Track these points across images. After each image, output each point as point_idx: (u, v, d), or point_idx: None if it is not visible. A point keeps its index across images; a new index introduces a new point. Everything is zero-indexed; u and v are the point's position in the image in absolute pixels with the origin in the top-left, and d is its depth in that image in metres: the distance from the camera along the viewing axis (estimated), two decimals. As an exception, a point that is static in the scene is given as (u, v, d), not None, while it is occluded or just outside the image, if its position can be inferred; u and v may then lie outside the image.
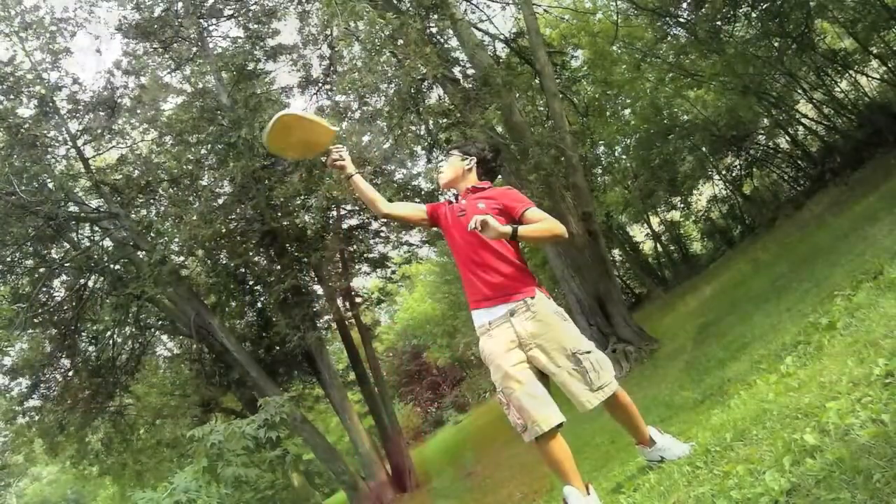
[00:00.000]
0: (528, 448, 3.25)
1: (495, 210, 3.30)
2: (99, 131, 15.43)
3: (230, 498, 6.61)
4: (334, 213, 17.32)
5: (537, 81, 13.65)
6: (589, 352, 3.18)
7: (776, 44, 20.28)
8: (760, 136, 27.40)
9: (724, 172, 29.69)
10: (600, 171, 30.01)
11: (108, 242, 16.26)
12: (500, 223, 3.11)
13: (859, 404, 2.45)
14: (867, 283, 5.02)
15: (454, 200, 3.56)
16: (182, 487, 6.24)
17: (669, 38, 21.72)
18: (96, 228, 16.19)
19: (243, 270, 16.97)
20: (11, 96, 14.38)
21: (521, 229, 3.11)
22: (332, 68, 14.58)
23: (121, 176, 15.56)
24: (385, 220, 17.40)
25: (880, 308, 4.02)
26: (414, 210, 3.66)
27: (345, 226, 17.76)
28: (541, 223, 3.21)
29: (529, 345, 3.14)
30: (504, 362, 3.13)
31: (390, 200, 3.74)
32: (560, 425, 3.05)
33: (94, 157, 16.56)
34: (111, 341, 16.92)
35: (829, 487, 1.97)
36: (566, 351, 3.14)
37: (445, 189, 3.69)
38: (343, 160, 3.50)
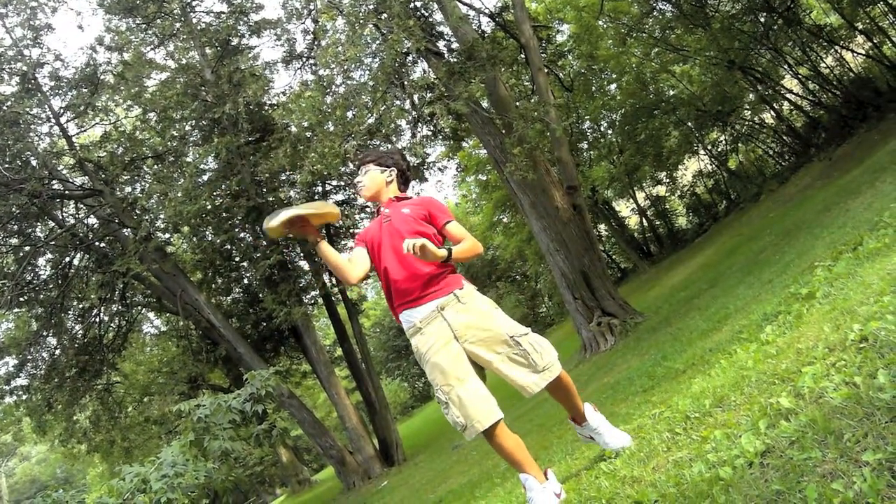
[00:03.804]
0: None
1: (421, 216, 3.30)
2: (82, 108, 15.29)
3: (218, 472, 6.64)
4: (320, 188, 17.32)
5: (522, 56, 13.60)
6: (526, 333, 3.15)
7: (762, 19, 20.28)
8: (746, 112, 27.44)
9: (709, 147, 29.76)
10: (586, 145, 30.05)
11: (92, 220, 16.20)
12: (434, 242, 3.12)
13: (833, 368, 2.50)
14: (847, 254, 5.10)
15: (378, 214, 3.49)
16: (169, 462, 6.27)
17: (655, 13, 21.68)
18: (81, 206, 16.12)
19: (229, 247, 16.96)
20: (-8, 73, 14.25)
21: (455, 252, 3.10)
22: (316, 42, 14.47)
23: (105, 153, 15.45)
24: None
25: (858, 277, 4.08)
26: (365, 257, 3.44)
27: (331, 201, 17.77)
28: (466, 242, 3.20)
29: (465, 336, 3.10)
30: (440, 359, 3.08)
31: None
32: (498, 422, 3.01)
33: (77, 134, 16.47)
34: (97, 319, 16.93)
35: (801, 447, 2.01)
36: (502, 336, 3.10)
37: (369, 202, 3.57)
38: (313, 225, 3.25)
